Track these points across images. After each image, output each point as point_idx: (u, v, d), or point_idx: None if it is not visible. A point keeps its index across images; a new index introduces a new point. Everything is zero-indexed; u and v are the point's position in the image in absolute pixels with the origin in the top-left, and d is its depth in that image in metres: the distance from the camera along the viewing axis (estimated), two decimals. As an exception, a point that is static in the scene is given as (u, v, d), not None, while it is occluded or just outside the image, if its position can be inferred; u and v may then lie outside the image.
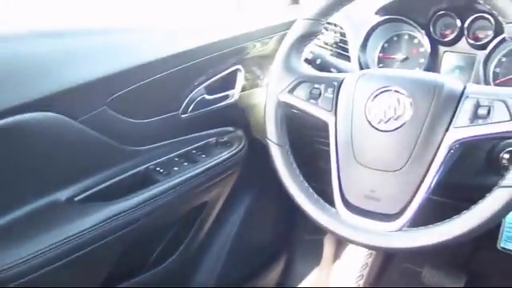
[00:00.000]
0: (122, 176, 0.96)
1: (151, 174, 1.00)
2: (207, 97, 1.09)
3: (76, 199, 0.89)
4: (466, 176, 0.87)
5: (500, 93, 0.71)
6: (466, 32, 1.03)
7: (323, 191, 0.85)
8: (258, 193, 1.33)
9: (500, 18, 0.71)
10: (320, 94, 0.85)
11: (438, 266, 1.38)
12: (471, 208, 0.70)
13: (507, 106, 0.69)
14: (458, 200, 0.77)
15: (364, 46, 1.12)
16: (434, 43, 1.07)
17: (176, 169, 1.01)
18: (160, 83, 0.97)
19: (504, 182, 0.68)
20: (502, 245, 0.87)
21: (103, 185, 0.93)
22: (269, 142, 0.88)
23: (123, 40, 0.97)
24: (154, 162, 1.02)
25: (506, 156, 0.85)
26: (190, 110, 1.06)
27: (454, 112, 0.73)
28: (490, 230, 0.71)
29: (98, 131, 0.90)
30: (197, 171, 1.03)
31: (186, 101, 1.05)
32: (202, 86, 1.07)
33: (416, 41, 1.10)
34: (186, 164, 1.04)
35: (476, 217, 0.69)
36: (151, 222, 0.97)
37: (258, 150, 1.02)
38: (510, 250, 0.89)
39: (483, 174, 0.87)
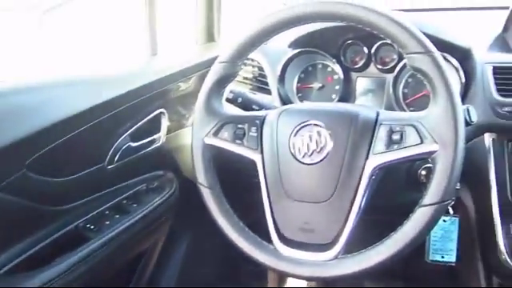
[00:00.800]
0: (50, 239, 0.91)
1: (81, 232, 0.96)
2: (133, 144, 1.07)
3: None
4: (390, 196, 0.92)
5: (409, 118, 0.76)
6: (373, 58, 1.10)
7: (261, 225, 0.86)
8: (196, 232, 1.32)
9: (400, 50, 0.77)
10: (245, 134, 0.86)
11: (377, 278, 1.44)
12: (397, 229, 0.74)
13: (417, 130, 0.74)
14: (390, 217, 0.81)
15: (282, 78, 1.15)
16: (346, 70, 1.13)
17: (107, 223, 0.98)
18: (81, 137, 0.94)
19: (424, 201, 0.72)
20: (430, 258, 0.92)
21: (29, 252, 0.88)
22: (199, 185, 0.88)
23: (38, 98, 0.93)
24: (84, 218, 0.98)
25: (424, 173, 0.91)
26: (116, 159, 1.03)
27: (371, 139, 0.77)
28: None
29: (18, 196, 0.85)
30: (130, 222, 1.00)
31: (111, 151, 1.02)
32: (126, 134, 1.05)
33: (329, 69, 1.16)
34: (117, 216, 1.01)
35: (402, 239, 0.72)
36: (86, 280, 0.93)
37: (190, 189, 1.02)
38: (438, 261, 0.95)
39: (406, 192, 0.93)
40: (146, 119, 1.09)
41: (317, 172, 0.79)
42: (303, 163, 0.80)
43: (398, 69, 1.07)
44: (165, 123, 1.13)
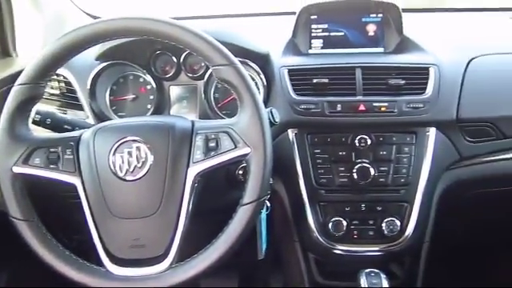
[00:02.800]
0: None
1: None
2: None
3: None
4: (215, 198, 0.96)
5: (222, 125, 0.82)
6: (183, 67, 1.14)
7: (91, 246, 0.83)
8: (18, 265, 1.20)
9: (206, 62, 0.82)
10: (59, 158, 0.82)
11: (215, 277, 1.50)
12: (224, 230, 0.79)
13: (230, 136, 0.80)
14: (221, 218, 0.86)
15: (93, 92, 1.11)
16: (158, 80, 1.15)
17: None
18: None
19: (244, 201, 0.79)
20: (263, 254, 1.01)
21: None
22: (13, 220, 0.81)
23: None
24: None
25: (241, 172, 0.98)
26: None
27: (190, 149, 0.81)
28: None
29: None
30: None
31: None
32: None
33: (141, 80, 1.16)
34: None
35: (229, 238, 0.78)
36: None
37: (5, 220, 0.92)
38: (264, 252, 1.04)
39: (229, 192, 0.99)
40: None
41: (141, 187, 0.80)
42: (126, 180, 0.80)
43: (207, 76, 1.12)
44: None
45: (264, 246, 1.02)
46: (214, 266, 0.79)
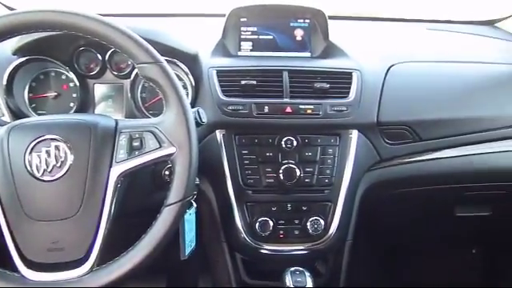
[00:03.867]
0: None
1: None
2: None
3: None
4: (140, 198, 0.95)
5: (147, 124, 0.80)
6: (108, 64, 1.10)
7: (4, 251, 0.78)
8: None
9: (131, 60, 0.80)
10: None
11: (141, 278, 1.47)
12: (147, 231, 0.78)
13: (155, 135, 0.78)
14: (145, 219, 0.84)
15: (9, 89, 1.05)
16: (82, 77, 1.11)
17: None
18: None
19: (168, 201, 0.78)
20: (186, 254, 0.99)
21: None
22: None
23: None
24: None
25: (167, 172, 0.96)
26: None
27: (113, 148, 0.79)
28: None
29: None
30: None
31: None
32: None
33: (64, 77, 1.11)
34: None
35: (152, 240, 0.77)
36: None
37: None
38: (190, 253, 1.02)
39: (155, 192, 0.97)
40: None
41: (59, 188, 0.77)
42: (43, 181, 0.76)
43: (133, 74, 1.10)
44: None
45: (192, 246, 1.01)
46: (137, 269, 0.78)
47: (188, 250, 0.97)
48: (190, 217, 0.97)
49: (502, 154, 1.15)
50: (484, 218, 1.28)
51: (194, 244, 1.02)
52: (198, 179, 0.88)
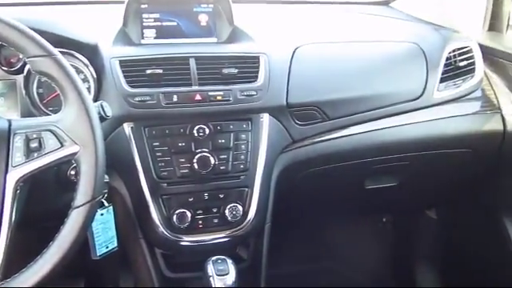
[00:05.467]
0: None
1: None
2: None
3: None
4: (46, 202, 0.88)
5: (44, 123, 0.74)
6: None
7: None
8: None
9: (20, 54, 0.73)
10: None
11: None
12: (55, 237, 0.72)
13: (55, 134, 0.73)
14: (54, 223, 0.78)
15: None
16: (-33, 75, 1.00)
17: None
18: None
19: (76, 203, 0.73)
20: (98, 254, 0.95)
21: None
22: None
23: None
24: None
25: (73, 172, 0.91)
26: None
27: (8, 151, 0.72)
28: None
29: None
30: None
31: None
32: None
33: None
34: None
35: (61, 245, 0.71)
36: None
37: None
38: (105, 253, 0.98)
39: (62, 194, 0.91)
40: None
41: None
42: None
43: (27, 69, 1.01)
44: None
45: (110, 246, 0.97)
46: (48, 278, 0.72)
47: (102, 251, 0.93)
48: (104, 217, 0.93)
49: (404, 127, 1.22)
50: (392, 188, 1.36)
51: (113, 244, 0.98)
52: (107, 177, 0.84)
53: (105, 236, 0.93)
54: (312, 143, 1.17)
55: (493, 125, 1.29)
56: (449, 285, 1.05)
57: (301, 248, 1.76)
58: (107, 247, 0.95)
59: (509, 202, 1.35)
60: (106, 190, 0.85)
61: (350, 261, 1.78)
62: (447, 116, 1.26)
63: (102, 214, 0.92)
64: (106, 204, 0.93)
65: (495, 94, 1.33)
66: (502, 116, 1.30)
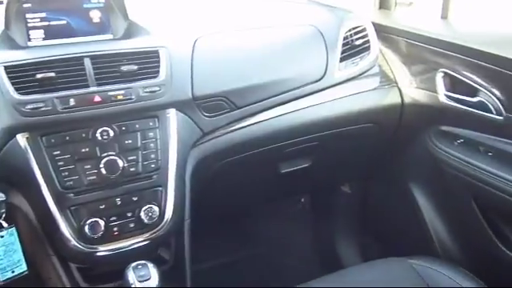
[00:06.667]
0: None
1: None
2: None
3: None
4: None
5: None
6: None
7: None
8: None
9: None
10: None
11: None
12: None
13: None
14: None
15: None
16: None
17: None
18: None
19: None
20: (1, 279, 0.86)
21: None
22: None
23: None
24: None
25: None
26: None
27: None
28: None
29: None
30: None
31: None
32: None
33: None
34: None
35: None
36: None
37: None
38: (11, 278, 0.90)
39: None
40: None
41: None
42: None
43: None
44: None
45: (18, 271, 0.89)
46: None
47: (7, 275, 0.86)
48: (4, 239, 0.85)
49: (310, 108, 1.25)
50: (306, 169, 1.39)
51: (21, 268, 0.90)
52: (2, 195, 0.77)
53: (8, 260, 0.85)
54: (223, 134, 1.16)
55: (392, 98, 1.36)
56: (370, 256, 1.10)
57: (226, 239, 1.75)
58: (13, 271, 0.87)
59: (414, 171, 1.44)
60: (2, 210, 0.77)
61: (276, 245, 1.81)
62: (350, 94, 1.31)
63: (1, 237, 0.84)
64: (4, 225, 0.85)
65: (391, 69, 1.40)
66: (398, 89, 1.37)
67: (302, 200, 1.86)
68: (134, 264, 0.96)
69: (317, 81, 1.26)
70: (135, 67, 1.02)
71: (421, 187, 1.42)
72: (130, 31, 1.13)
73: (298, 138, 1.28)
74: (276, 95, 1.20)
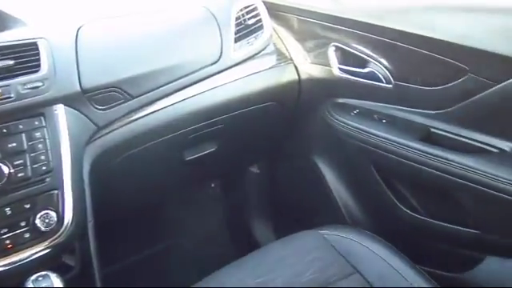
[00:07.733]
0: None
1: None
2: None
3: None
4: None
5: None
6: None
7: None
8: None
9: None
10: None
11: None
12: None
13: None
14: None
15: None
16: None
17: None
18: None
19: None
20: None
21: None
22: None
23: None
24: None
25: None
26: None
27: None
28: None
29: None
30: None
31: None
32: None
33: None
34: None
35: None
36: None
37: None
38: None
39: None
40: None
41: None
42: None
43: None
44: None
45: None
46: None
47: None
48: None
49: (209, 92, 1.22)
50: (212, 153, 1.37)
51: None
52: None
53: None
54: (121, 126, 1.10)
55: (289, 75, 1.38)
56: (284, 233, 1.12)
57: (138, 235, 1.69)
58: None
59: (316, 144, 1.47)
60: None
61: (190, 233, 1.78)
62: (248, 74, 1.30)
63: None
64: None
65: (285, 46, 1.41)
66: (294, 66, 1.39)
67: (213, 185, 1.84)
68: (33, 277, 0.88)
69: (213, 63, 1.23)
70: (11, 62, 0.93)
71: (324, 160, 1.46)
72: (3, 23, 1.02)
73: (200, 124, 1.25)
74: (172, 81, 1.16)
